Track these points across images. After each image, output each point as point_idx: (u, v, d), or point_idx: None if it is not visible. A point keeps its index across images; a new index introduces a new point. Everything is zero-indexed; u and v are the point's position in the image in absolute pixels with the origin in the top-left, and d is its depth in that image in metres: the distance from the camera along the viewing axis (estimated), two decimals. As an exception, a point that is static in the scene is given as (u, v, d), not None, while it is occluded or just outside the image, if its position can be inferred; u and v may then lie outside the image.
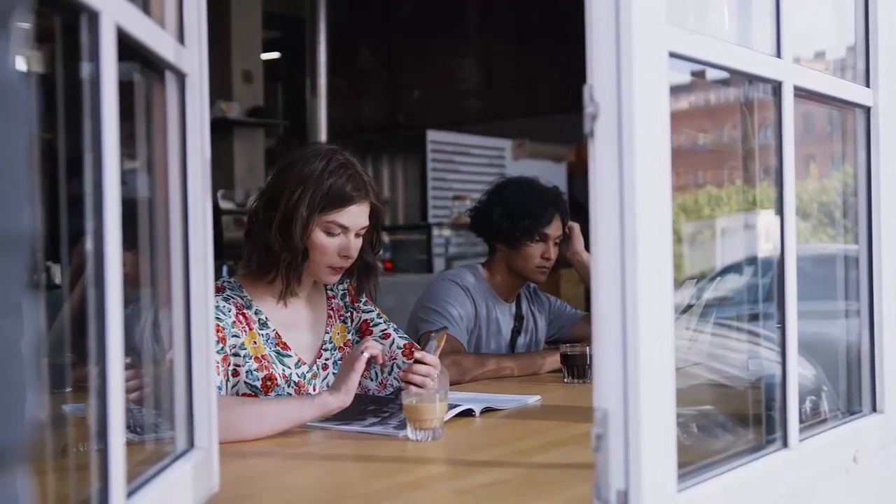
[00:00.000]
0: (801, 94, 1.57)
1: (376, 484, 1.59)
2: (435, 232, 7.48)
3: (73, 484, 1.17)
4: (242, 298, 2.21)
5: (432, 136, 8.19)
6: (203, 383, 1.38)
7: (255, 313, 2.21)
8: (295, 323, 2.28)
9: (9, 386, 0.55)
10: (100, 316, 0.99)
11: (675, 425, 1.22)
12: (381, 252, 2.40)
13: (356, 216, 2.19)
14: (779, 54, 1.51)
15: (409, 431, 1.86)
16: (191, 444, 1.36)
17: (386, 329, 2.39)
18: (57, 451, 1.25)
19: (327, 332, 2.33)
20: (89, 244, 0.99)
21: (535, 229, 2.99)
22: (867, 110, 1.80)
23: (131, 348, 1.15)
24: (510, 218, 2.98)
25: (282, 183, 2.18)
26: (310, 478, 1.69)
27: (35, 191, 0.60)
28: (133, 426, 1.30)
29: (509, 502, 1.48)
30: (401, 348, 2.34)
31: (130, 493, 1.08)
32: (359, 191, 2.18)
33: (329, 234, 2.17)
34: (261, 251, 2.19)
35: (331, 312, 2.36)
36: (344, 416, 2.01)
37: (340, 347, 2.34)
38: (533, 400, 2.35)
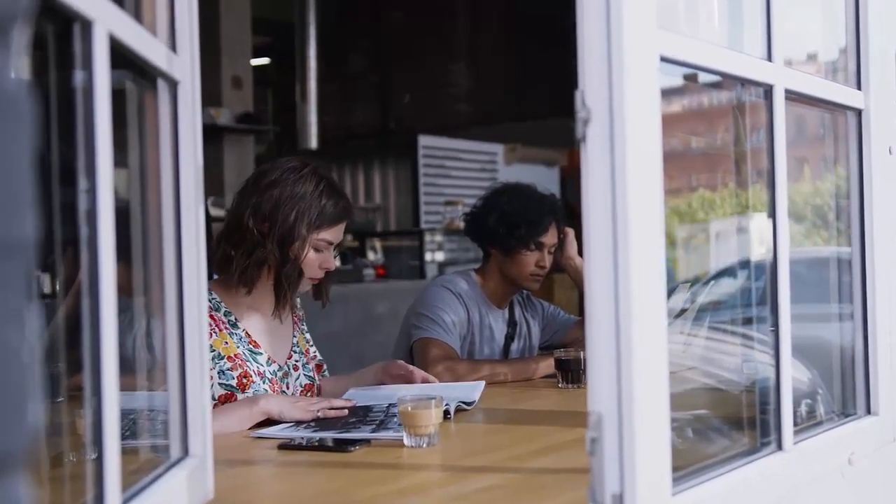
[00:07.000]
0: (793, 97, 1.57)
1: (372, 490, 1.58)
2: (427, 237, 7.45)
3: (67, 493, 1.17)
4: (211, 301, 2.25)
5: (424, 140, 8.18)
6: (197, 391, 1.37)
7: (225, 315, 2.28)
8: (265, 326, 2.36)
9: (11, 392, 0.55)
10: (94, 325, 0.99)
11: (670, 428, 1.22)
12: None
13: (341, 233, 2.34)
14: (769, 58, 1.51)
15: (404, 438, 1.86)
16: (185, 452, 1.36)
17: (313, 351, 2.52)
18: (50, 461, 1.24)
19: (294, 336, 2.44)
20: (83, 253, 0.99)
21: (532, 238, 2.96)
22: (859, 113, 1.81)
23: (125, 357, 1.15)
24: (506, 225, 2.96)
25: (272, 199, 2.25)
26: (304, 485, 1.68)
27: (36, 199, 0.60)
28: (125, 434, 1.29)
29: (505, 507, 1.48)
30: (301, 387, 2.41)
31: (125, 502, 1.08)
32: (347, 210, 2.33)
33: (316, 250, 2.29)
34: (254, 265, 2.25)
35: (296, 320, 2.48)
36: (340, 426, 2.00)
37: (304, 352, 2.46)
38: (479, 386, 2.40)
